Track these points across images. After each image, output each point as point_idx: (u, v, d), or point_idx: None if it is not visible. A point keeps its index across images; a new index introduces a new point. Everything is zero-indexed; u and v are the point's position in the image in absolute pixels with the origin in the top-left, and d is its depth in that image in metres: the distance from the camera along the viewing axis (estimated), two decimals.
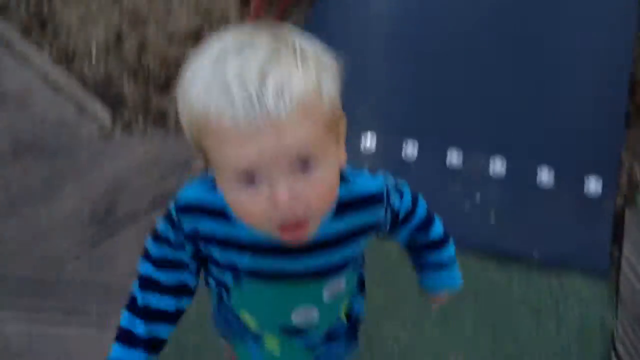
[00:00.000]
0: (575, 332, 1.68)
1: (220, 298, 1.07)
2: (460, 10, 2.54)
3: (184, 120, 0.77)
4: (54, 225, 1.89)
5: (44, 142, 2.10)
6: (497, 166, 2.08)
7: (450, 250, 1.13)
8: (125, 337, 0.93)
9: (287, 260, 0.92)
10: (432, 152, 2.10)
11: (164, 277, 0.94)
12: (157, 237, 0.94)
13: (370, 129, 2.15)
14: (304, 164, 0.74)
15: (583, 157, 2.07)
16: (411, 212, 1.02)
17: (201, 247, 0.93)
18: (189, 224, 0.91)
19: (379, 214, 0.94)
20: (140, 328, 0.93)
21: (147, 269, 0.95)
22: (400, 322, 1.71)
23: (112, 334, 0.94)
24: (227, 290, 1.00)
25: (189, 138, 0.78)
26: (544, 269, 1.82)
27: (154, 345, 0.94)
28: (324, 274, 0.95)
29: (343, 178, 0.89)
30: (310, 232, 0.81)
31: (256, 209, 0.77)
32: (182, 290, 0.96)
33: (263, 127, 0.70)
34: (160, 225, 0.94)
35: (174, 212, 0.92)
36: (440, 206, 1.89)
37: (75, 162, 2.05)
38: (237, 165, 0.73)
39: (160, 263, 0.94)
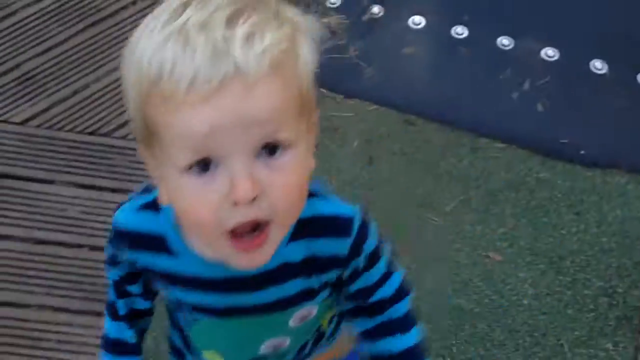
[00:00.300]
0: (617, 234, 1.67)
1: (183, 337, 0.95)
2: None
3: (129, 84, 0.64)
4: (103, 94, 1.91)
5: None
6: (549, 54, 2.00)
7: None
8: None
9: (238, 296, 0.79)
10: (483, 35, 2.04)
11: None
12: (109, 262, 0.88)
13: (420, 14, 2.07)
14: (271, 148, 0.62)
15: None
16: (371, 263, 0.82)
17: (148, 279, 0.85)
18: (128, 255, 0.81)
19: (342, 249, 0.77)
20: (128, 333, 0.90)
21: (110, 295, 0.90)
22: (439, 215, 1.72)
23: None
24: (184, 328, 0.91)
25: (131, 110, 0.65)
26: (589, 167, 1.78)
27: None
28: (283, 307, 0.81)
29: (311, 193, 0.73)
30: (269, 250, 0.67)
31: (206, 206, 0.63)
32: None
33: (227, 82, 0.58)
34: (108, 248, 0.86)
35: (112, 243, 0.83)
36: (488, 93, 1.92)
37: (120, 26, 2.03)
38: (190, 137, 0.60)
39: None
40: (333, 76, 1.98)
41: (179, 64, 0.59)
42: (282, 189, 0.64)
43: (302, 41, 0.65)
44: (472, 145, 1.83)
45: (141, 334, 0.93)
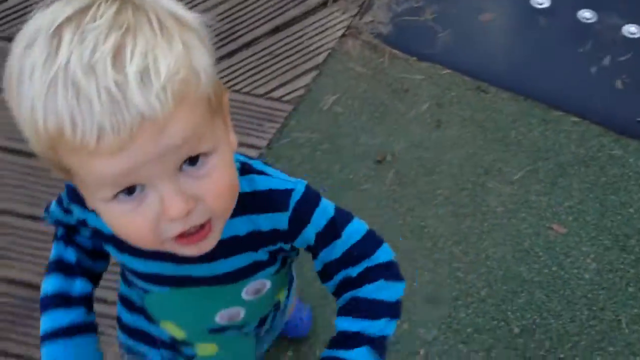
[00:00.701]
0: None
1: (133, 306, 0.95)
2: None
3: (27, 135, 0.59)
4: None
5: None
6: (632, 30, 1.95)
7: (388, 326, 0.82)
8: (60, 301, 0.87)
9: (188, 267, 0.79)
10: (565, 7, 2.01)
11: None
12: (48, 211, 0.88)
13: None
14: (192, 159, 0.61)
15: None
16: (330, 234, 0.79)
17: (99, 243, 0.85)
18: (80, 213, 0.81)
19: (280, 223, 0.77)
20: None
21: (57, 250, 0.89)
22: (505, 183, 1.71)
23: None
24: (137, 301, 0.91)
25: (43, 161, 0.62)
26: None
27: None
28: (233, 279, 0.83)
29: (248, 170, 0.76)
30: (213, 239, 0.68)
31: (142, 227, 0.63)
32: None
33: (136, 132, 0.55)
34: (52, 204, 0.86)
35: (65, 199, 0.83)
36: (566, 66, 1.89)
37: None
38: (108, 178, 0.59)
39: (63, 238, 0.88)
40: (407, 38, 1.98)
41: (79, 120, 0.55)
42: (213, 193, 0.63)
43: (196, 52, 0.60)
44: (544, 116, 1.81)
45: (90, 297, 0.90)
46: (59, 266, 0.88)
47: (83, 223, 0.83)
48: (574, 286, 1.55)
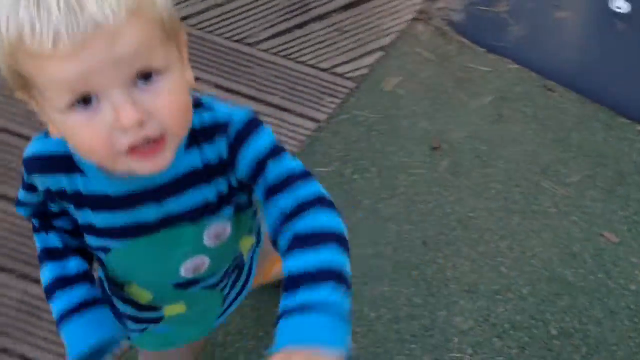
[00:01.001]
0: None
1: (103, 288, 0.97)
2: None
3: None
4: (251, 7, 1.98)
5: None
6: None
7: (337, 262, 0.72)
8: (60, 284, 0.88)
9: (146, 209, 0.81)
10: None
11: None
12: (20, 204, 0.89)
13: None
14: (145, 76, 0.65)
15: None
16: (267, 159, 0.78)
17: (64, 206, 0.85)
18: (41, 182, 0.83)
19: (221, 149, 0.78)
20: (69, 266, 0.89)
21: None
22: (561, 185, 1.69)
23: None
24: (104, 263, 0.91)
25: (4, 71, 0.67)
26: None
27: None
28: (192, 217, 0.83)
29: (198, 104, 0.78)
30: (169, 153, 0.70)
31: (97, 137, 0.66)
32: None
33: (89, 38, 0.60)
34: (20, 192, 0.88)
35: (25, 177, 0.84)
36: (638, 74, 1.83)
37: None
38: (64, 82, 0.63)
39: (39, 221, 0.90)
40: (478, 28, 1.96)
41: (38, 26, 0.60)
42: (166, 108, 0.67)
43: None
44: (609, 122, 1.78)
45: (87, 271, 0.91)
46: (47, 255, 0.90)
47: (48, 193, 0.83)
48: (619, 296, 1.53)
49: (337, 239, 0.74)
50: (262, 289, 1.33)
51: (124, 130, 0.65)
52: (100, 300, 0.90)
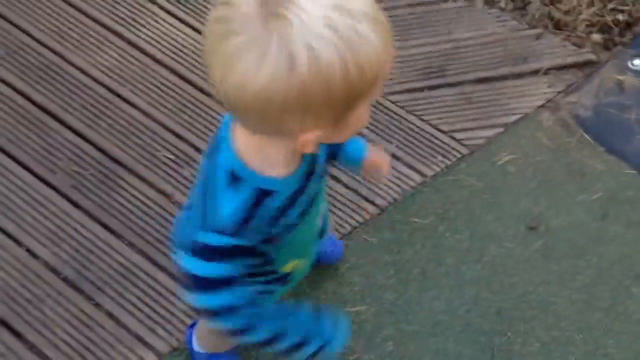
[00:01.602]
0: None
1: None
2: None
3: (369, 76, 0.73)
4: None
5: None
6: None
7: None
8: None
9: (311, 184, 0.94)
10: None
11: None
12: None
13: None
14: None
15: None
16: None
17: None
18: (252, 236, 0.87)
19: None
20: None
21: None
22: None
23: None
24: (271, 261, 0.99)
25: (351, 92, 0.73)
26: None
27: None
28: (325, 174, 1.05)
29: None
30: None
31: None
32: None
33: None
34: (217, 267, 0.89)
35: (230, 241, 0.86)
36: None
37: (432, 15, 2.23)
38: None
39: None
40: (603, 128, 2.00)
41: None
42: None
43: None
44: None
45: None
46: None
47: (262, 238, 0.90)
48: None
49: None
50: None
51: None
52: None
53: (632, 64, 2.11)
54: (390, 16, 2.19)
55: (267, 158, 0.85)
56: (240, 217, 0.85)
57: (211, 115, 1.97)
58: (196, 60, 2.06)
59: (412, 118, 2.01)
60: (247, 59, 0.69)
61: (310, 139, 0.78)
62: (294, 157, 0.88)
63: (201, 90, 2.01)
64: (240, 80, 0.71)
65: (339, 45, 0.69)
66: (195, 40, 2.11)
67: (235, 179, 0.85)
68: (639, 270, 1.71)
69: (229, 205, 0.85)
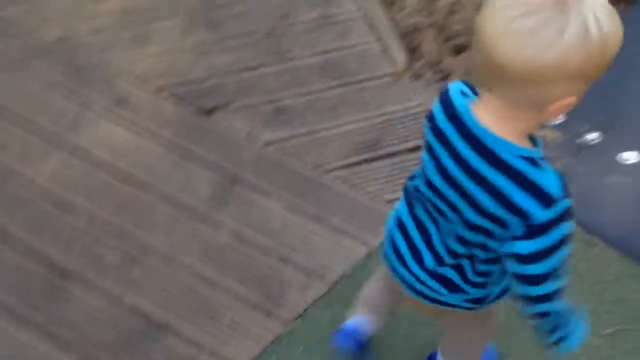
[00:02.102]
0: None
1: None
2: None
3: (609, 55, 0.90)
4: (330, 139, 2.25)
5: (343, 68, 2.45)
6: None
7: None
8: None
9: None
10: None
11: None
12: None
13: (636, 149, 2.12)
14: None
15: None
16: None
17: None
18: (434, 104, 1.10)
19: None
20: None
21: None
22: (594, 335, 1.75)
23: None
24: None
25: (590, 70, 0.90)
26: None
27: None
28: None
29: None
30: None
31: None
32: None
33: None
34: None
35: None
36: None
37: (362, 92, 2.38)
38: None
39: None
40: None
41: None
42: None
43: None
44: None
45: None
46: None
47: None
48: None
49: None
50: None
51: None
52: None
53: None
54: (324, 97, 2.34)
55: (521, 133, 0.99)
56: (562, 182, 0.99)
57: (155, 211, 2.03)
58: (136, 160, 2.14)
59: (353, 191, 2.11)
60: (546, 32, 0.86)
61: (566, 104, 0.92)
62: (532, 132, 1.01)
63: (142, 188, 2.08)
64: (537, 52, 0.86)
65: (613, 18, 0.89)
66: (132, 141, 2.19)
67: (528, 159, 0.98)
68: None
69: (549, 176, 0.98)
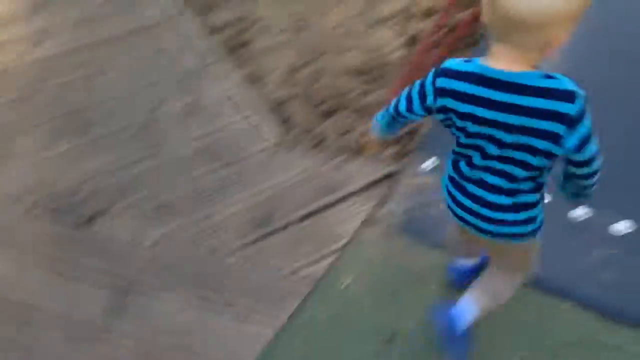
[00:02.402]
0: None
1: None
2: None
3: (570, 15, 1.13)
4: (220, 223, 2.24)
5: (221, 150, 2.47)
6: (622, 227, 2.10)
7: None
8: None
9: None
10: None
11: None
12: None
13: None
14: None
15: None
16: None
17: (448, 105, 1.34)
18: (442, 82, 1.34)
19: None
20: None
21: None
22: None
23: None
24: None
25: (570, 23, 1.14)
26: None
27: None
28: None
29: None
30: None
31: None
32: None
33: None
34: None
35: (430, 78, 1.36)
36: (567, 259, 2.01)
37: (244, 170, 2.39)
38: None
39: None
40: (420, 226, 2.19)
41: None
42: None
43: None
44: (540, 302, 1.93)
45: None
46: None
47: (441, 91, 1.35)
48: None
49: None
50: None
51: None
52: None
53: (422, 167, 2.38)
54: (206, 182, 2.33)
55: (531, 68, 1.23)
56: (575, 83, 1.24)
57: (45, 338, 1.91)
58: (22, 287, 2.01)
59: (252, 272, 2.09)
60: None
61: (562, 43, 1.16)
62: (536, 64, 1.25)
63: (29, 315, 1.96)
64: (550, 1, 1.11)
65: None
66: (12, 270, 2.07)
67: (544, 76, 1.22)
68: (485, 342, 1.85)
69: (565, 80, 1.22)
